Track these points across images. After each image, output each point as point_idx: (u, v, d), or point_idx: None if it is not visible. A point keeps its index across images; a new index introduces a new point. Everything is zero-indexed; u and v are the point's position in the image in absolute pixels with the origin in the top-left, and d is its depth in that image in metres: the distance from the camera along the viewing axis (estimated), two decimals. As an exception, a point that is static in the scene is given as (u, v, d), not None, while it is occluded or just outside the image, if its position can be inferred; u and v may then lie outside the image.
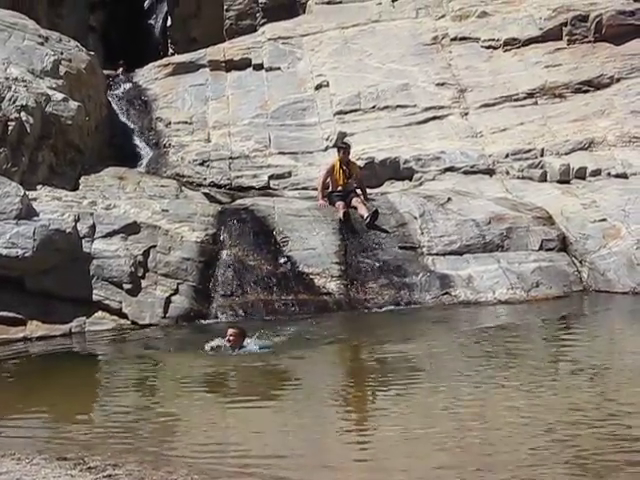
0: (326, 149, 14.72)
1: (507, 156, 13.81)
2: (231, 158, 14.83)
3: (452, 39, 16.34)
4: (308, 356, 8.54)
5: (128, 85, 17.09)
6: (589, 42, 15.36)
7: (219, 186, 14.35)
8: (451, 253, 11.48)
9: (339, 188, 12.48)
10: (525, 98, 14.89)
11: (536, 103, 14.79)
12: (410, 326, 9.91)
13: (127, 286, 10.48)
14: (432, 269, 11.26)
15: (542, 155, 13.70)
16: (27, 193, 10.87)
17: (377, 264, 11.32)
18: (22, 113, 12.19)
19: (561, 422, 5.63)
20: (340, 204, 12.08)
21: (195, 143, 15.25)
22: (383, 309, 10.70)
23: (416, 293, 10.96)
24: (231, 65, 16.88)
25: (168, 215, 11.46)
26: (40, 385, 7.86)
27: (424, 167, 13.94)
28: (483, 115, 14.82)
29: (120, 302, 10.40)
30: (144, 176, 13.78)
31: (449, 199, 12.34)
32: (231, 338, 8.61)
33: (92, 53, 15.81)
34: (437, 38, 16.44)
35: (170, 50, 21.93)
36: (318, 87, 15.83)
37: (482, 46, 16.08)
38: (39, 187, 11.84)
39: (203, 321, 10.44)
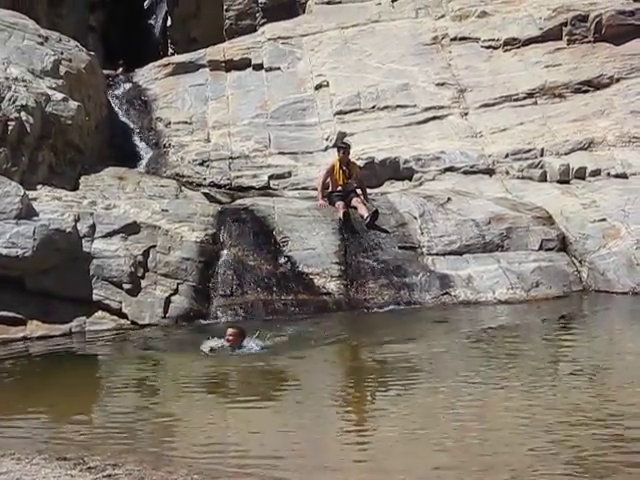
0: (326, 149, 14.73)
1: (507, 156, 13.82)
2: (231, 158, 14.83)
3: (452, 39, 16.35)
4: (308, 356, 8.54)
5: (128, 85, 17.10)
6: (589, 42, 15.38)
7: (219, 186, 14.35)
8: (451, 253, 11.49)
9: (339, 188, 12.48)
10: (525, 98, 14.91)
11: (536, 103, 14.80)
12: (410, 326, 9.90)
13: (127, 286, 10.48)
14: (432, 269, 11.26)
15: (542, 155, 13.71)
16: (27, 193, 10.87)
17: (377, 264, 11.32)
18: (22, 113, 12.19)
19: (561, 423, 5.63)
20: (340, 204, 12.08)
21: (195, 143, 15.25)
22: (383, 309, 10.70)
23: (416, 293, 10.96)
24: (231, 65, 16.89)
25: (168, 215, 11.46)
26: (40, 385, 7.86)
27: (424, 167, 13.95)
28: (483, 115, 14.83)
29: (120, 302, 10.40)
30: (144, 176, 13.78)
31: (449, 199, 12.34)
32: (230, 338, 8.61)
33: (92, 53, 15.82)
34: (437, 38, 16.45)
35: (170, 50, 21.93)
36: (318, 87, 15.84)
37: (482, 46, 16.10)
38: (39, 187, 11.84)
39: (203, 321, 10.44)
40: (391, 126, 14.82)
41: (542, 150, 13.75)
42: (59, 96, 13.11)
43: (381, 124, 14.87)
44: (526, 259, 11.37)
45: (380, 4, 17.67)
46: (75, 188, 12.40)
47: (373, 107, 15.19)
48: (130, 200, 11.96)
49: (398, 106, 15.12)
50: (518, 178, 13.51)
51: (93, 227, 10.91)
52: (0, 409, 6.85)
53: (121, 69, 18.75)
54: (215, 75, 16.77)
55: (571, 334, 9.20)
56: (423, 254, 11.51)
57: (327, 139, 14.87)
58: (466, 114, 14.91)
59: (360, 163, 13.49)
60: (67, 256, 10.39)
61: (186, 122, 15.68)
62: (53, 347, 9.45)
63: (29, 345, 9.61)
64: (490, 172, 13.75)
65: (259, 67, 16.69)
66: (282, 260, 11.19)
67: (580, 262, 11.45)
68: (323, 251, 11.31)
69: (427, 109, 15.02)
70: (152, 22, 25.13)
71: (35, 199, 11.19)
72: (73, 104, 13.19)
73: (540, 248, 11.58)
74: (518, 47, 15.81)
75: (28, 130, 12.18)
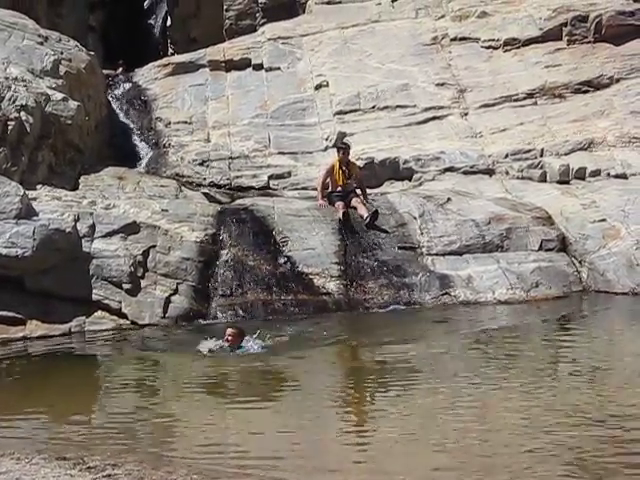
0: (326, 149, 14.73)
1: (507, 156, 13.81)
2: (231, 158, 14.83)
3: (452, 39, 16.34)
4: (307, 356, 8.54)
5: (128, 85, 17.09)
6: (589, 42, 15.37)
7: (219, 186, 14.35)
8: (451, 253, 11.49)
9: (339, 188, 12.47)
10: (525, 98, 14.90)
11: (536, 103, 14.80)
12: (410, 326, 9.90)
13: (127, 286, 10.48)
14: (432, 269, 11.26)
15: (542, 155, 13.70)
16: (27, 193, 10.86)
17: (377, 264, 11.31)
18: (22, 113, 12.19)
19: (561, 424, 5.63)
20: (340, 204, 12.08)
21: (195, 143, 15.25)
22: (383, 309, 10.70)
23: (416, 293, 10.96)
24: (231, 65, 16.88)
25: (168, 215, 11.46)
26: (39, 385, 7.86)
27: (424, 167, 13.95)
28: (483, 115, 14.83)
29: (120, 302, 10.40)
30: (144, 176, 13.78)
31: (449, 199, 12.34)
32: (229, 338, 8.61)
33: (92, 53, 15.82)
34: (437, 38, 16.44)
35: (170, 50, 21.93)
36: (318, 87, 15.84)
37: (482, 46, 16.09)
38: (39, 187, 11.84)
39: (202, 321, 10.43)
40: (391, 126, 14.81)
41: (542, 150, 13.75)
42: (59, 96, 13.11)
43: (381, 124, 14.87)
44: (526, 259, 11.36)
45: (380, 4, 17.66)
46: (75, 188, 12.40)
47: (373, 107, 15.19)
48: (130, 200, 11.96)
49: (398, 106, 15.11)
50: (518, 178, 13.50)
51: (93, 227, 10.91)
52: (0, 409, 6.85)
53: (121, 69, 18.75)
54: (215, 75, 16.76)
55: (571, 334, 9.20)
56: (423, 254, 11.51)
57: (327, 139, 14.87)
58: (466, 114, 14.91)
59: (360, 163, 13.49)
60: (67, 256, 10.39)
61: (186, 122, 15.68)
62: (53, 347, 9.45)
63: (28, 345, 9.61)
64: (490, 172, 13.75)
65: (259, 67, 16.69)
66: (282, 260, 11.19)
67: (580, 262, 11.44)
68: (323, 251, 11.30)
69: (427, 109, 15.01)
70: (152, 22, 25.13)
71: (35, 199, 11.19)
72: (73, 104, 13.19)
73: (540, 248, 11.57)
74: (518, 47, 15.81)
75: (28, 130, 12.18)
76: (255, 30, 18.62)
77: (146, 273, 10.66)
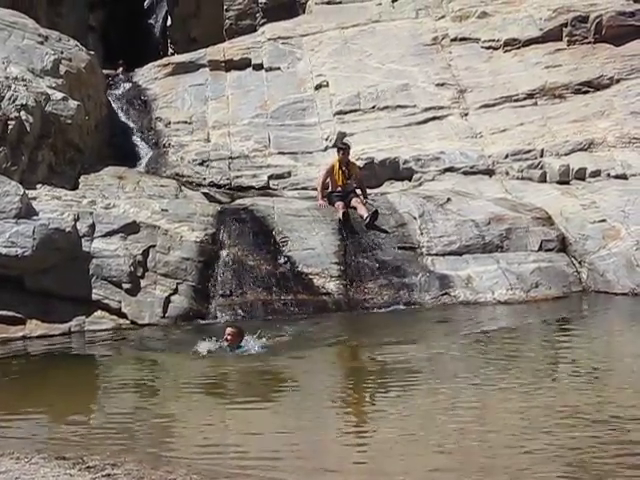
0: (326, 149, 14.72)
1: (507, 157, 13.81)
2: (231, 158, 14.83)
3: (452, 39, 16.34)
4: (307, 356, 8.54)
5: (128, 85, 17.10)
6: (589, 43, 15.37)
7: (219, 186, 14.35)
8: (450, 253, 11.48)
9: (339, 188, 12.47)
10: (525, 99, 14.90)
11: (536, 104, 14.79)
12: (409, 327, 9.90)
13: (126, 286, 10.48)
14: (431, 269, 11.26)
15: (542, 156, 13.70)
16: (27, 192, 10.87)
17: (376, 264, 11.31)
18: (22, 112, 12.19)
19: (560, 424, 5.63)
20: (340, 204, 12.07)
21: (195, 143, 15.24)
22: (382, 309, 10.70)
23: (415, 293, 10.96)
24: (231, 65, 16.88)
25: (167, 215, 11.45)
26: (39, 384, 7.86)
27: (424, 167, 13.94)
28: (483, 115, 14.82)
29: (119, 302, 10.40)
30: (144, 176, 13.78)
31: (449, 199, 12.34)
32: (229, 337, 8.60)
33: (92, 52, 15.82)
34: (437, 38, 16.44)
35: (170, 50, 21.94)
36: (318, 87, 15.83)
37: (482, 46, 16.09)
38: (39, 186, 11.83)
39: (202, 321, 10.43)
40: (391, 126, 14.81)
41: (542, 151, 13.74)
42: (59, 95, 13.11)
43: (381, 124, 14.87)
44: (526, 260, 11.36)
45: (380, 4, 17.66)
46: (75, 187, 12.40)
47: (373, 107, 15.19)
48: (130, 200, 11.96)
49: (398, 106, 15.11)
50: (518, 179, 13.50)
51: (93, 226, 10.91)
52: (-1, 408, 6.86)
53: (121, 69, 18.75)
54: (215, 75, 16.76)
55: (571, 335, 9.20)
56: (423, 254, 11.51)
57: (327, 139, 14.87)
58: (466, 114, 14.91)
59: (360, 163, 13.49)
60: (66, 255, 10.39)
61: (186, 122, 15.68)
62: (52, 346, 9.45)
63: (28, 344, 9.61)
64: (490, 173, 13.75)
65: (259, 67, 16.68)
66: (282, 260, 11.18)
67: (580, 263, 11.44)
68: (323, 251, 11.30)
69: (427, 109, 15.01)
70: (152, 22, 25.13)
71: (35, 198, 11.19)
72: (73, 103, 13.19)
73: (540, 249, 11.57)
74: (518, 48, 15.80)
75: (28, 129, 12.18)
76: (255, 30, 18.62)
77: (146, 273, 10.66)
